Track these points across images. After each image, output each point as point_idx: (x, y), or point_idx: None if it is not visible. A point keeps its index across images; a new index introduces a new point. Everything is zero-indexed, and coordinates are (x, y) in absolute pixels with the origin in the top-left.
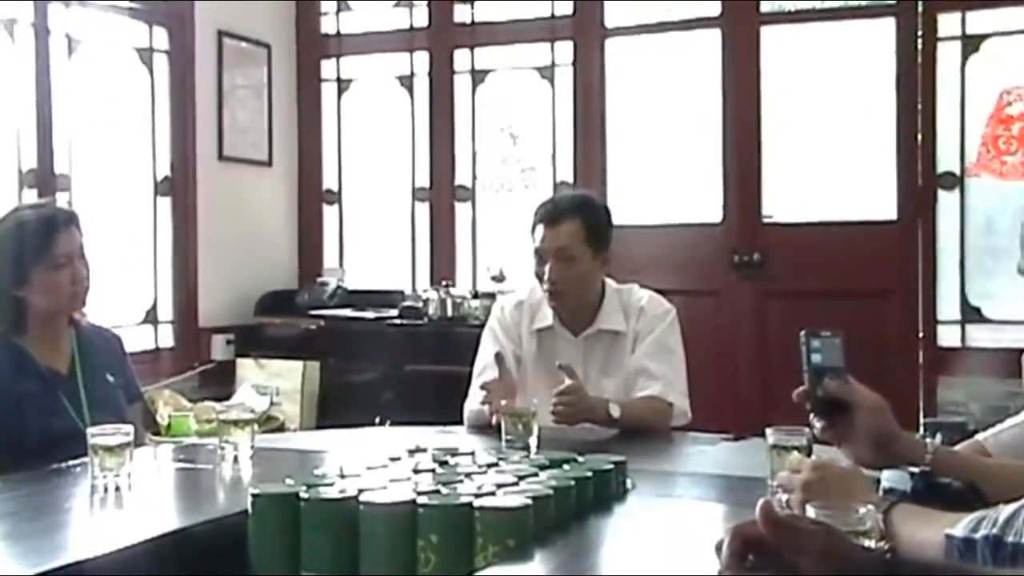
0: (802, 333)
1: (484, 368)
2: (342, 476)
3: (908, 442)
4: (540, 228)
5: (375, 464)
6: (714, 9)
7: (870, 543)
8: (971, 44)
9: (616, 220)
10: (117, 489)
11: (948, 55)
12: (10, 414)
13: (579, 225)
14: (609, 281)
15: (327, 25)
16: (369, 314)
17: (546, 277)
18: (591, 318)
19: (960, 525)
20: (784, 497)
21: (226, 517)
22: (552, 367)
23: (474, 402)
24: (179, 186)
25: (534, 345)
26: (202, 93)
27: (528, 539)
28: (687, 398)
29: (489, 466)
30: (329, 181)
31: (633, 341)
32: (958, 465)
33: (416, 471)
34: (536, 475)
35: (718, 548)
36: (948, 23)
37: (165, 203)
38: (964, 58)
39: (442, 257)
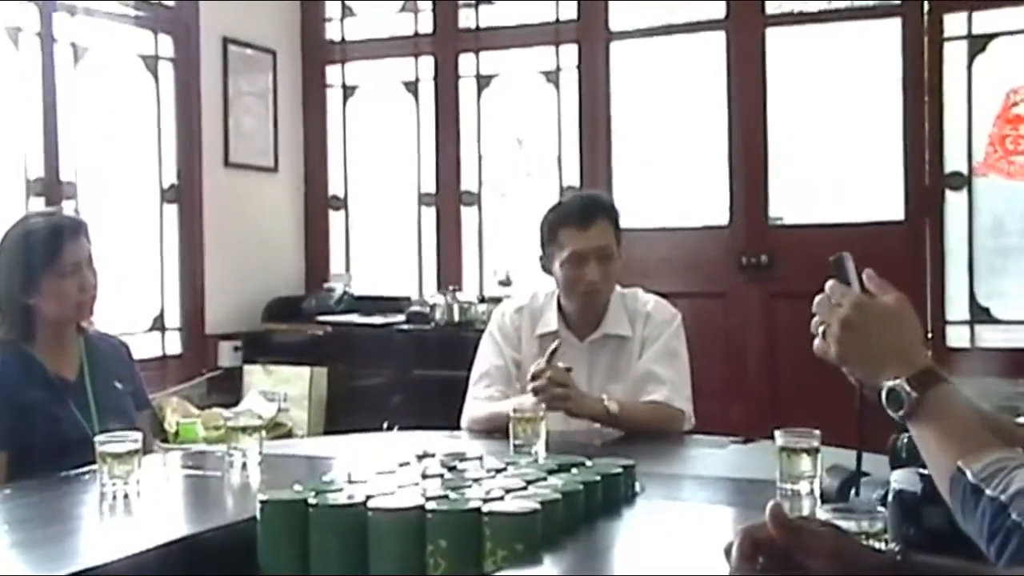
0: (839, 255)
1: (482, 374)
2: (350, 482)
3: None
4: (573, 231)
5: (384, 469)
6: (719, 11)
7: (880, 545)
8: (977, 44)
9: (623, 223)
10: (126, 496)
11: (954, 55)
12: (21, 421)
13: (608, 224)
14: None
15: (332, 31)
16: (376, 319)
17: (588, 278)
18: (597, 323)
19: (977, 465)
20: (819, 326)
21: (235, 524)
22: None
23: (478, 407)
24: (185, 193)
25: (535, 350)
26: (207, 100)
27: (537, 543)
28: (691, 404)
29: (497, 471)
30: (335, 187)
31: (640, 347)
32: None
33: (424, 476)
34: (545, 479)
35: (727, 550)
36: (954, 23)
37: (171, 210)
38: (971, 58)
39: (448, 262)
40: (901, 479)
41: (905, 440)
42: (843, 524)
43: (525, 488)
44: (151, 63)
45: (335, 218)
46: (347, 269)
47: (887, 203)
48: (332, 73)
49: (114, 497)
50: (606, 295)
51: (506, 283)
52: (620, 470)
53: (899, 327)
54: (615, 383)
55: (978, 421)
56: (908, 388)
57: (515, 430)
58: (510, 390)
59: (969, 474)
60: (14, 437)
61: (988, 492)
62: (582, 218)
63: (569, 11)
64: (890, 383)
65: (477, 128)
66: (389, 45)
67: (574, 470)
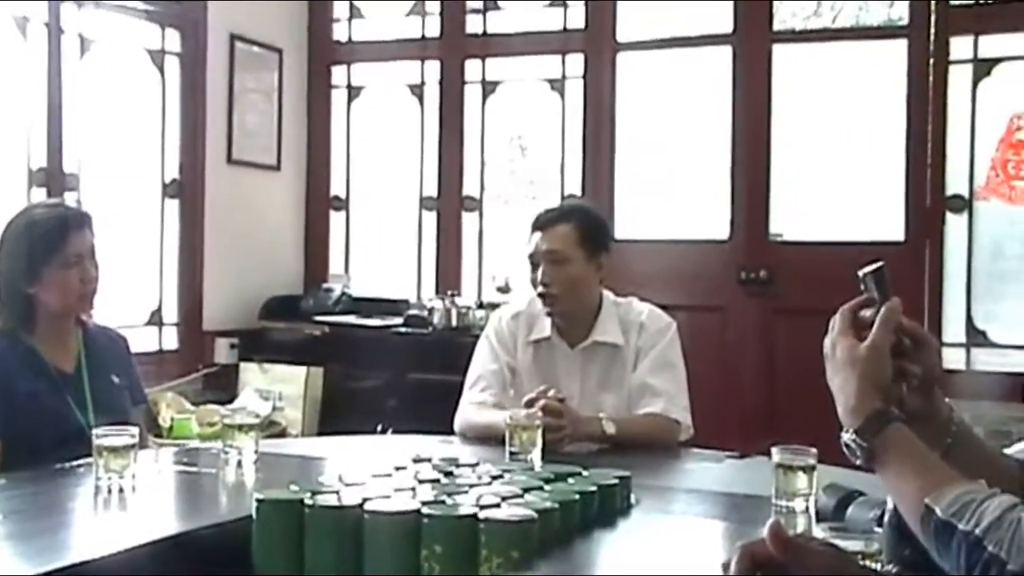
0: (874, 267)
1: (477, 378)
2: (345, 484)
3: (942, 398)
4: (534, 234)
5: (379, 472)
6: (726, 26)
7: (876, 565)
8: (983, 68)
9: (623, 234)
10: (121, 491)
11: (959, 78)
12: (16, 411)
13: (571, 228)
14: (607, 293)
15: (339, 32)
16: (374, 321)
17: (539, 280)
18: (587, 330)
19: (944, 501)
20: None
21: (229, 522)
22: (548, 379)
23: (473, 413)
24: (187, 188)
25: (529, 356)
26: (213, 96)
27: (532, 552)
28: (689, 413)
29: (493, 478)
30: (337, 187)
31: (635, 357)
32: (974, 445)
33: (420, 481)
34: (541, 488)
35: (725, 566)
36: (960, 46)
37: (173, 205)
38: (975, 82)
39: (448, 267)
40: None
41: None
42: (839, 543)
43: (521, 496)
44: (157, 57)
45: (336, 219)
46: (346, 270)
47: (888, 223)
48: (338, 74)
49: (109, 491)
50: (566, 300)
51: (505, 289)
52: (616, 481)
53: (850, 376)
54: (607, 392)
55: (936, 455)
56: (858, 439)
57: (511, 438)
58: (504, 395)
59: (938, 511)
60: (8, 426)
61: (961, 527)
62: (542, 222)
63: (577, 20)
64: (843, 436)
65: (481, 134)
66: (396, 48)
67: (570, 480)
